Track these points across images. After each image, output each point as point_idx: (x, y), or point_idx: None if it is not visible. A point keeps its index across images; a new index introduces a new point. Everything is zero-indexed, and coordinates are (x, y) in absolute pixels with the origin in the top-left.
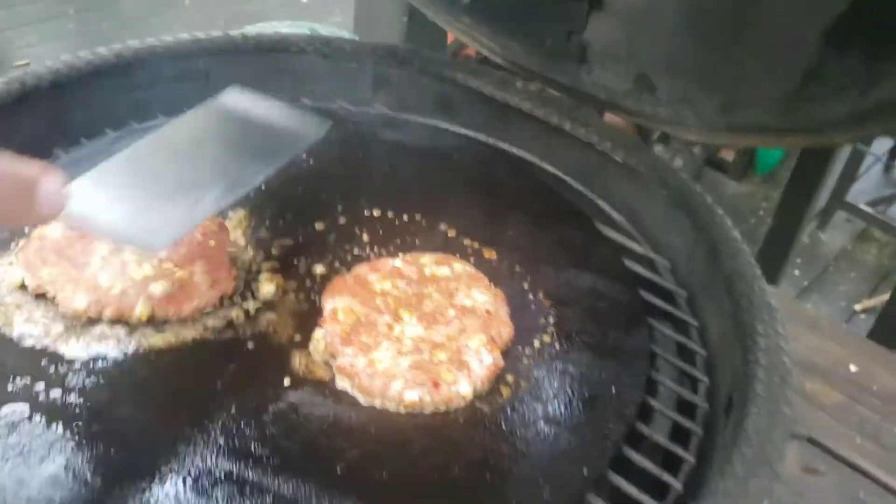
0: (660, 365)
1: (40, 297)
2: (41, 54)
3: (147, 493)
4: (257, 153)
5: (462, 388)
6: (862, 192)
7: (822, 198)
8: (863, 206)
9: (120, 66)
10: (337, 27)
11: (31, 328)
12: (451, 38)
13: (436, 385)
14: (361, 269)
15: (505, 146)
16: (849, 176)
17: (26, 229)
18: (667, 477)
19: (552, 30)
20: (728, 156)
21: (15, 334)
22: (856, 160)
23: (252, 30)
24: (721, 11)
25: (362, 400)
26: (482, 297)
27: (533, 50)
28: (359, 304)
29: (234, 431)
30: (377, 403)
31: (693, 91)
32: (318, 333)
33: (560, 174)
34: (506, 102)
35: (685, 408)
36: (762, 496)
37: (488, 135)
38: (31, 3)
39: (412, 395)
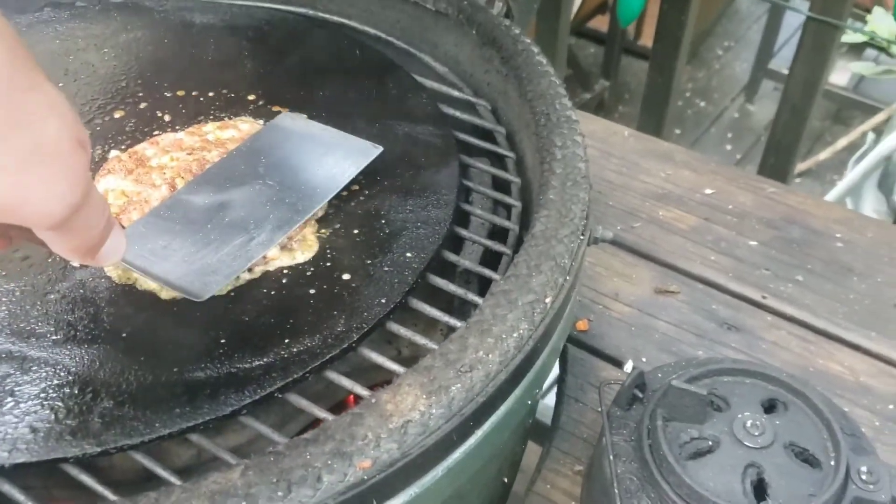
0: (474, 199)
1: None
2: None
3: None
4: (310, 181)
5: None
6: (786, 59)
7: (746, 69)
8: (787, 72)
9: None
10: None
11: None
12: None
13: None
14: (139, 146)
15: (325, 16)
16: (770, 44)
17: None
18: (471, 296)
19: None
20: (649, 42)
21: None
22: (773, 27)
23: None
24: None
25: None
26: None
27: None
28: (131, 183)
29: (17, 313)
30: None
31: None
32: None
33: (383, 35)
34: None
35: (500, 235)
36: (546, 290)
37: (309, 7)
38: None
39: None
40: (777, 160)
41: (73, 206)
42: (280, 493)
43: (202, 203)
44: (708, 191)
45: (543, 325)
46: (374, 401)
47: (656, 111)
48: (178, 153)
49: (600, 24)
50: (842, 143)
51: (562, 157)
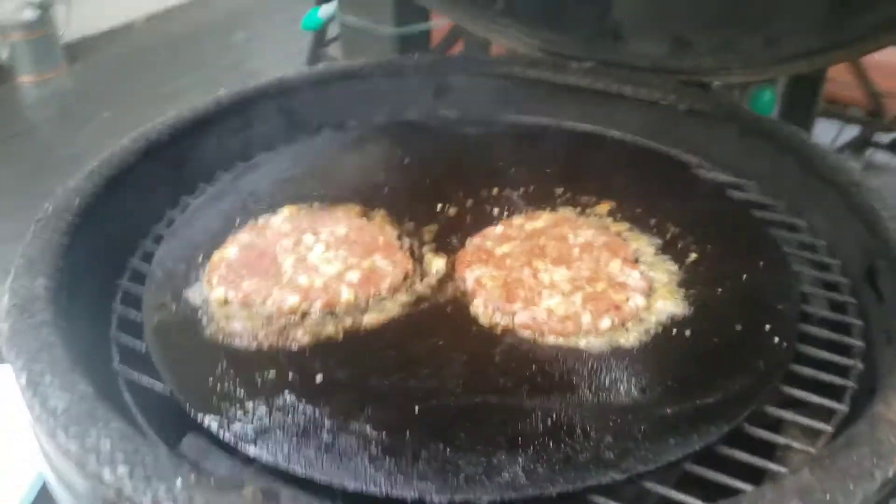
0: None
1: (243, 306)
2: None
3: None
4: None
5: (637, 301)
6: None
7: None
8: None
9: (220, 113)
10: None
11: (252, 330)
12: (436, 38)
13: (616, 308)
14: (474, 240)
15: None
16: None
17: (199, 258)
18: (830, 402)
19: (583, 15)
20: None
21: (240, 339)
22: None
23: None
24: None
25: (552, 340)
26: (588, 231)
27: (570, 38)
28: (493, 269)
29: (473, 372)
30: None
31: (732, 35)
32: (476, 304)
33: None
34: (564, 83)
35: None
36: None
37: (553, 117)
38: None
39: (606, 322)
40: None
41: None
42: None
43: None
44: None
45: None
46: None
47: None
48: (511, 243)
49: None
50: None
51: None
